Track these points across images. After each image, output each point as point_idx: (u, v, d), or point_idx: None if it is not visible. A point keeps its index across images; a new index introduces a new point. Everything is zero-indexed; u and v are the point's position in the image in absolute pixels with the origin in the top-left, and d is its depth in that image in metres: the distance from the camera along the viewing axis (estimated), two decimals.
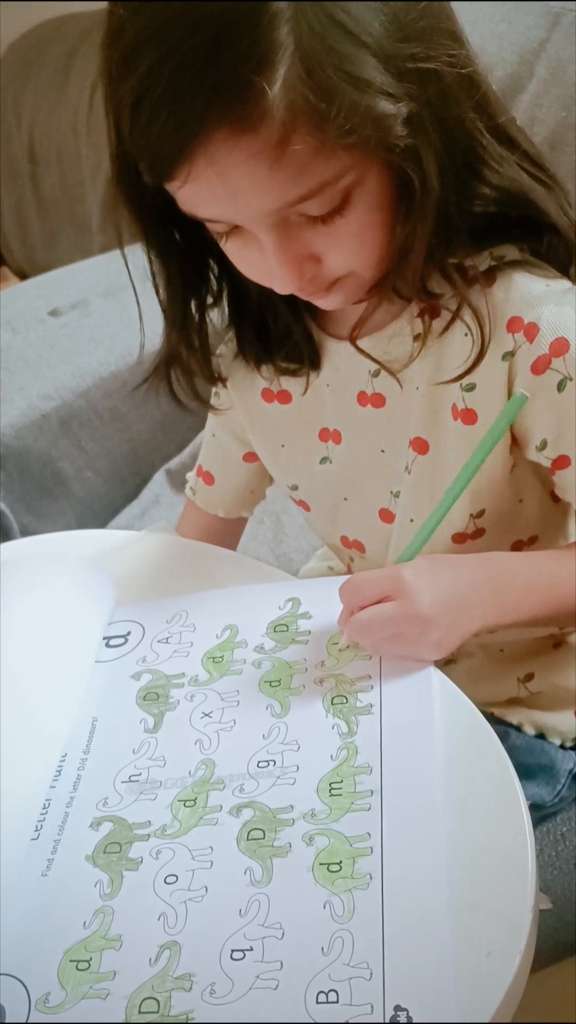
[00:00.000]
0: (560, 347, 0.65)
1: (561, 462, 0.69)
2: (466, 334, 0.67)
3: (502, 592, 0.66)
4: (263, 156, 0.55)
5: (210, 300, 0.74)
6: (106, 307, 1.57)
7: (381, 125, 0.56)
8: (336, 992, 0.47)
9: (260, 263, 0.64)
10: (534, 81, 1.17)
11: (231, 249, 0.66)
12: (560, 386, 0.66)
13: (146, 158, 0.58)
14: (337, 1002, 0.47)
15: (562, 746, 0.82)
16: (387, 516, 0.80)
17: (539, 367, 0.66)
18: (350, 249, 0.63)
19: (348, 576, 0.66)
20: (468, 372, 0.67)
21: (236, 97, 0.53)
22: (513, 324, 0.67)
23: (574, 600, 0.68)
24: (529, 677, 0.83)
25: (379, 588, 0.63)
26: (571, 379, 0.66)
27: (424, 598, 0.62)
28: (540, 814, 0.81)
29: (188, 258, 0.71)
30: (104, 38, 0.56)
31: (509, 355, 0.67)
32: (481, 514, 0.74)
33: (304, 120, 0.54)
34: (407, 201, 0.61)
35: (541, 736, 0.83)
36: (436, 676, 0.64)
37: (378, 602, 0.63)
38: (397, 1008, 0.46)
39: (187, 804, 0.59)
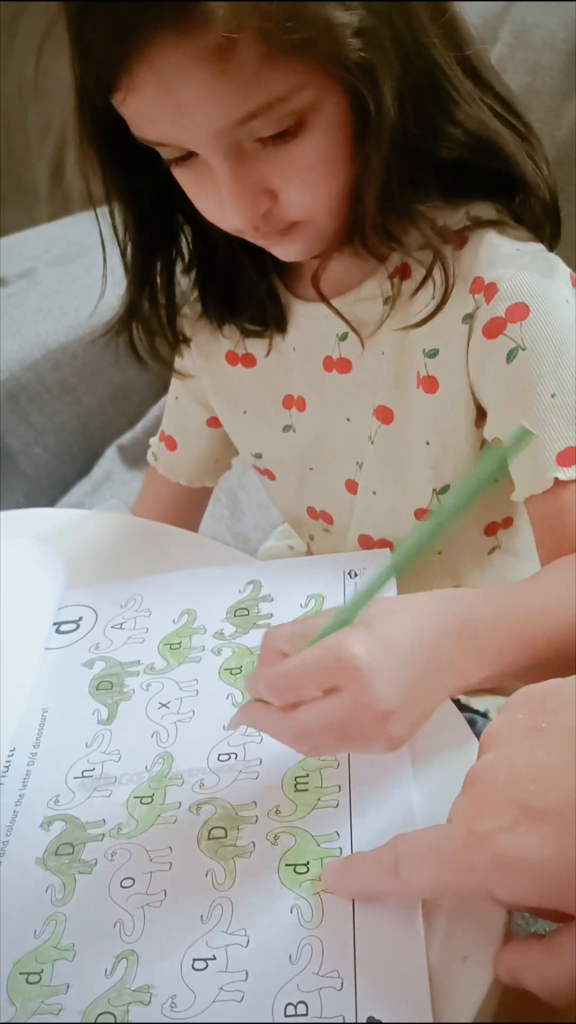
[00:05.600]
0: (517, 313, 0.62)
1: (495, 444, 0.66)
2: (434, 296, 0.64)
3: (471, 649, 0.52)
4: (206, 61, 0.53)
5: (177, 259, 0.72)
6: (54, 276, 1.53)
7: (332, 34, 0.54)
8: (305, 1004, 0.44)
9: (213, 196, 0.61)
10: (498, 45, 1.14)
11: (185, 181, 0.63)
12: (510, 356, 0.62)
13: (91, 68, 0.56)
14: (307, 1014, 0.44)
15: None
16: (353, 487, 0.77)
17: (491, 331, 0.63)
18: (306, 183, 0.60)
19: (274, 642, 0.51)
20: (427, 319, 0.64)
21: None
22: (476, 284, 0.64)
23: (561, 639, 0.55)
24: None
25: (321, 676, 0.48)
26: (523, 349, 0.62)
27: (382, 684, 0.48)
28: None
29: (154, 209, 0.68)
30: None
31: (469, 317, 0.64)
32: (446, 489, 0.71)
33: (248, 24, 0.52)
34: (365, 133, 0.58)
35: None
36: None
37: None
38: (370, 1019, 0.43)
39: (144, 801, 0.56)
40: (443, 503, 0.46)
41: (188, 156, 0.59)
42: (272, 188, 0.60)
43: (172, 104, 0.55)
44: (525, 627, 0.55)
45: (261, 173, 0.59)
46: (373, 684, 0.48)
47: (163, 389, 0.90)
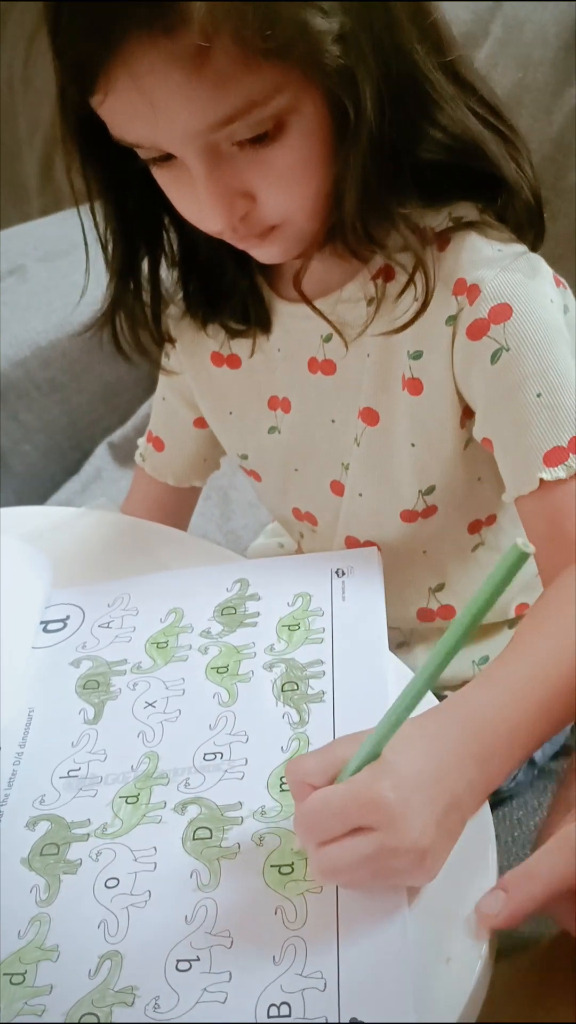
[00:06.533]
0: (501, 314, 0.62)
1: (485, 445, 0.66)
2: (417, 298, 0.64)
3: (487, 754, 0.50)
4: (182, 64, 0.52)
5: (161, 256, 0.72)
6: (44, 273, 1.52)
7: (310, 39, 0.53)
8: (288, 1005, 0.44)
9: (191, 197, 0.61)
10: (489, 40, 1.14)
11: (164, 181, 0.63)
12: (494, 357, 0.62)
13: (69, 69, 0.56)
14: (290, 1015, 0.44)
15: None
16: (338, 489, 0.77)
17: (475, 332, 0.63)
18: (285, 187, 0.60)
19: (300, 782, 0.49)
20: (410, 323, 0.64)
21: None
22: (458, 286, 0.64)
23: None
24: (484, 660, 0.81)
25: (349, 819, 0.46)
26: (507, 350, 0.62)
27: (416, 824, 0.46)
28: (496, 799, 0.79)
29: (137, 205, 0.68)
30: None
31: (452, 319, 0.64)
32: (431, 490, 0.71)
33: (225, 28, 0.51)
34: (344, 137, 0.58)
35: None
36: (392, 661, 0.61)
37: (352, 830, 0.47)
38: (353, 1020, 0.43)
39: (129, 801, 0.56)
40: (463, 615, 0.44)
41: (167, 157, 0.59)
42: (250, 191, 0.60)
43: (148, 106, 0.54)
44: (530, 704, 0.52)
45: (239, 176, 0.59)
46: (407, 826, 0.46)
47: (154, 386, 0.89)
